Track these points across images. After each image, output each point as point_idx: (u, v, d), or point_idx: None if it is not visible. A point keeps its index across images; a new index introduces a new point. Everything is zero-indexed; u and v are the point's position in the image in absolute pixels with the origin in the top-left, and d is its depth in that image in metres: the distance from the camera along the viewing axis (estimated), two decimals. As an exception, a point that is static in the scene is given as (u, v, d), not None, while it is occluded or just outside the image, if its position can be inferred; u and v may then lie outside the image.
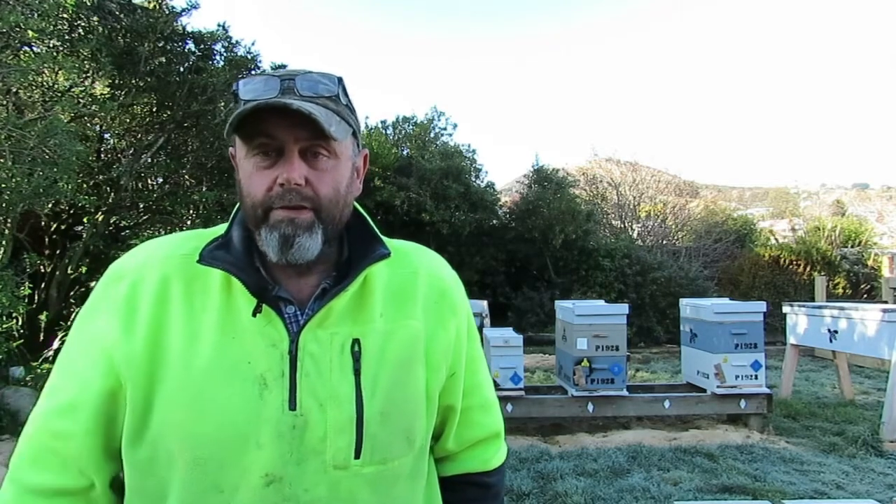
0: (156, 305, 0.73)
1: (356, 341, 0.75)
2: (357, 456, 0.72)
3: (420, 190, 9.28)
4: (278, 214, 0.72)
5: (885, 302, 8.49)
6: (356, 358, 0.74)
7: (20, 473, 0.72)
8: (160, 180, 7.29)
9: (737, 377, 4.61)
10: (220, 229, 0.80)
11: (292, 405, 0.71)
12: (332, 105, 0.74)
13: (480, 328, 5.02)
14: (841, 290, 12.21)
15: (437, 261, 0.90)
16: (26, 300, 5.19)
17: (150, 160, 6.59)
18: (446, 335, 0.83)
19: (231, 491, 0.69)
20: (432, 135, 10.83)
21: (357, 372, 0.73)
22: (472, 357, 0.90)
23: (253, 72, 6.65)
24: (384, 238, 0.85)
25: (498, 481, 0.94)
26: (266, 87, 0.72)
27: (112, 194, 6.60)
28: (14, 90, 4.97)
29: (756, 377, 4.62)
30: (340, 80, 0.76)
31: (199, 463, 0.69)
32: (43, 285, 6.48)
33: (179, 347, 0.71)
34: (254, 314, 0.72)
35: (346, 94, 0.78)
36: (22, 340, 5.63)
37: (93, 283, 6.48)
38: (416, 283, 0.83)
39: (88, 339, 0.74)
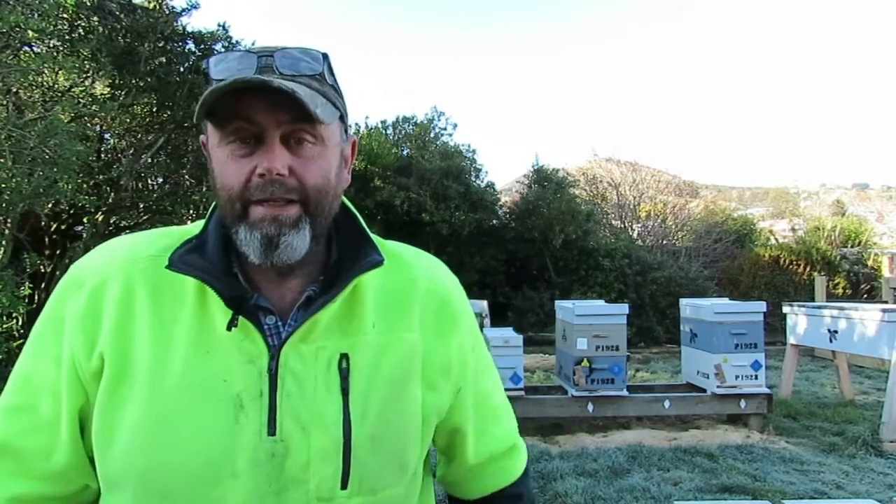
0: (119, 316, 0.65)
1: (344, 356, 0.67)
2: (344, 486, 0.64)
3: (420, 190, 9.29)
4: (259, 211, 0.63)
5: (885, 302, 8.50)
6: (344, 375, 0.66)
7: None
8: (160, 180, 7.29)
9: (737, 377, 4.61)
10: (196, 227, 0.72)
11: (271, 430, 0.63)
12: (317, 85, 0.66)
13: (480, 328, 5.02)
14: (841, 291, 12.21)
15: (436, 266, 0.82)
16: (26, 300, 5.19)
17: (150, 160, 6.59)
18: (446, 350, 0.75)
19: None
20: (432, 135, 10.83)
21: (345, 391, 0.66)
22: (478, 367, 0.82)
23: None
24: (378, 239, 0.76)
25: (527, 488, 0.88)
26: (241, 64, 0.64)
27: (112, 194, 6.60)
28: (14, 90, 4.97)
29: (756, 377, 4.63)
30: (326, 56, 0.68)
31: (165, 493, 0.62)
32: (43, 285, 6.48)
33: (146, 364, 0.63)
34: (229, 328, 0.64)
35: (332, 74, 0.69)
36: (22, 340, 5.63)
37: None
38: (413, 291, 0.75)
39: (52, 356, 0.66)
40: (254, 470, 0.63)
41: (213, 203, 0.71)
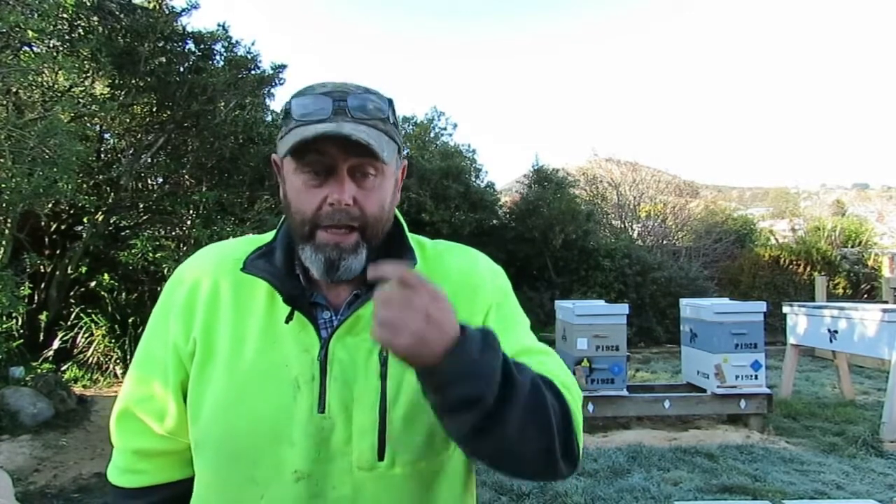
0: (208, 309, 0.79)
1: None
2: (381, 458, 0.74)
3: (420, 190, 9.27)
4: (324, 237, 0.75)
5: (886, 302, 8.49)
6: (383, 363, 0.76)
7: (125, 444, 0.85)
8: (160, 180, 7.29)
9: (737, 377, 4.61)
10: (270, 236, 0.85)
11: (321, 408, 0.75)
12: (382, 125, 0.76)
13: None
14: (841, 291, 12.20)
15: (471, 258, 0.90)
16: (26, 300, 5.19)
17: (150, 160, 6.59)
18: None
19: (264, 484, 0.74)
20: (432, 135, 10.83)
21: (383, 377, 0.76)
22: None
23: (253, 71, 6.66)
24: (424, 241, 0.88)
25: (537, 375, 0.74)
26: (317, 104, 0.74)
27: (112, 194, 6.60)
28: (14, 90, 4.97)
29: (756, 377, 4.63)
30: (391, 101, 0.79)
31: (236, 456, 0.75)
32: (43, 285, 6.47)
33: (227, 349, 0.77)
34: (286, 321, 0.77)
35: (394, 114, 0.80)
36: (22, 340, 5.63)
37: (93, 283, 6.52)
38: (447, 285, 0.80)
39: (161, 340, 0.82)
40: (306, 440, 0.74)
41: (283, 216, 0.83)
